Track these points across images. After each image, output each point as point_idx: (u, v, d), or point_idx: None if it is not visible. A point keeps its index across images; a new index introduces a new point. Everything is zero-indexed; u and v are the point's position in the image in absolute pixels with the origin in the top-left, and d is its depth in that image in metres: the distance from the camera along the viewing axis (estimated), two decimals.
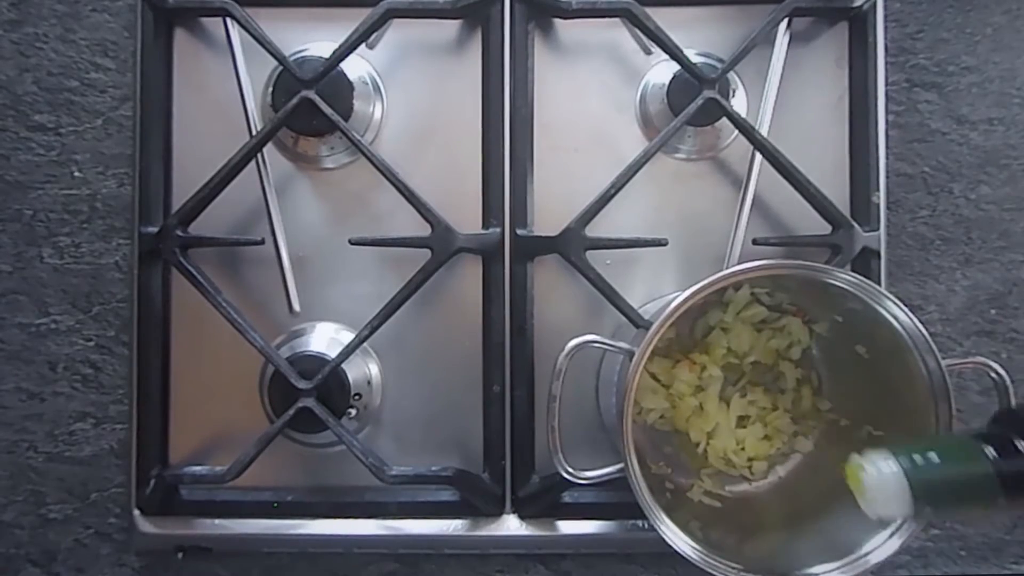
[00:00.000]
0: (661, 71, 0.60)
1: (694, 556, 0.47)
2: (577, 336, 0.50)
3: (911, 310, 0.48)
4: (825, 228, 0.58)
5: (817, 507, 0.53)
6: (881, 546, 0.48)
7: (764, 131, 0.59)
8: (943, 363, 0.48)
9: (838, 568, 0.48)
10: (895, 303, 0.48)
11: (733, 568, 0.47)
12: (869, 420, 0.53)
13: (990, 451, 0.41)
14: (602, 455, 0.58)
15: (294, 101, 0.56)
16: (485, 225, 0.59)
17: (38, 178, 0.61)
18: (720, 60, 0.60)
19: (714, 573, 0.47)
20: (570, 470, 0.49)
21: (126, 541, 0.60)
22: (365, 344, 0.57)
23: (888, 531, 0.48)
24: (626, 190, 0.57)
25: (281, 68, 0.57)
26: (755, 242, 0.59)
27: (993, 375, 0.49)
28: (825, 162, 0.60)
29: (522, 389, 0.58)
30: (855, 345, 0.54)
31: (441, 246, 0.57)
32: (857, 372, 0.54)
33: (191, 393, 0.60)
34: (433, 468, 0.58)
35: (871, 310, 0.49)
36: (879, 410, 0.53)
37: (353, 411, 0.58)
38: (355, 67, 0.60)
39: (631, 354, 0.48)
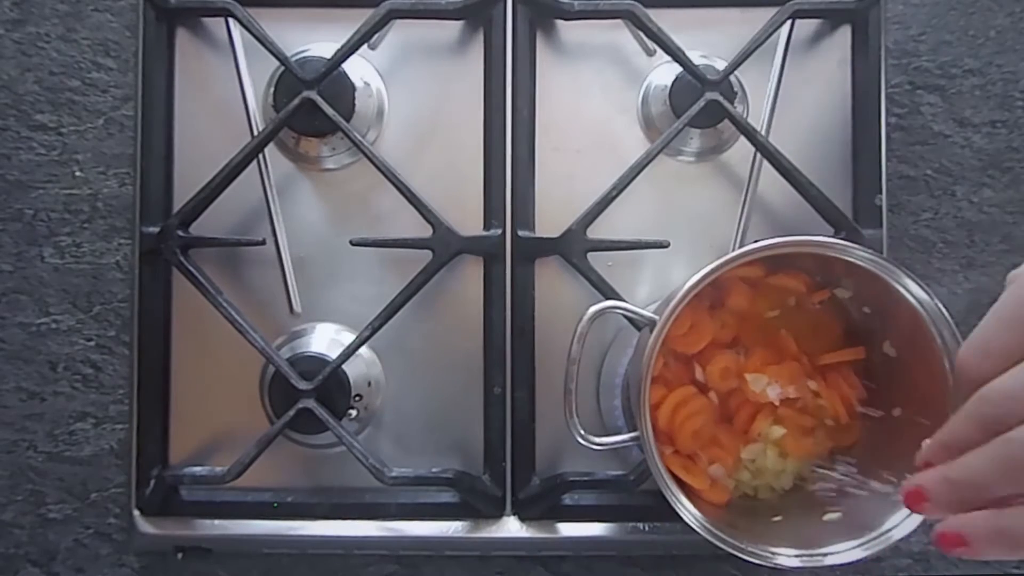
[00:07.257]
0: (663, 73, 0.60)
1: (704, 532, 0.46)
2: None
3: None
4: (827, 230, 0.58)
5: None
6: (903, 523, 0.46)
7: (766, 133, 0.59)
8: (960, 339, 0.46)
9: (860, 545, 0.47)
10: (912, 279, 0.47)
11: (745, 545, 0.46)
12: (885, 402, 0.52)
13: None
14: (603, 459, 0.58)
15: (296, 101, 0.56)
16: (486, 226, 0.59)
17: (39, 177, 0.61)
18: (723, 62, 0.60)
19: (721, 547, 0.46)
20: (583, 433, 0.49)
21: (126, 541, 0.59)
22: (366, 345, 0.57)
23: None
24: (628, 192, 0.57)
25: (283, 68, 0.57)
26: None
27: None
28: (827, 164, 0.60)
29: (523, 391, 0.58)
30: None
31: (442, 247, 0.57)
32: (872, 354, 0.53)
33: (191, 393, 0.60)
34: (433, 470, 0.58)
35: (886, 286, 0.47)
36: (894, 391, 0.52)
37: (353, 412, 0.58)
38: (357, 68, 0.60)
39: (653, 324, 0.47)
